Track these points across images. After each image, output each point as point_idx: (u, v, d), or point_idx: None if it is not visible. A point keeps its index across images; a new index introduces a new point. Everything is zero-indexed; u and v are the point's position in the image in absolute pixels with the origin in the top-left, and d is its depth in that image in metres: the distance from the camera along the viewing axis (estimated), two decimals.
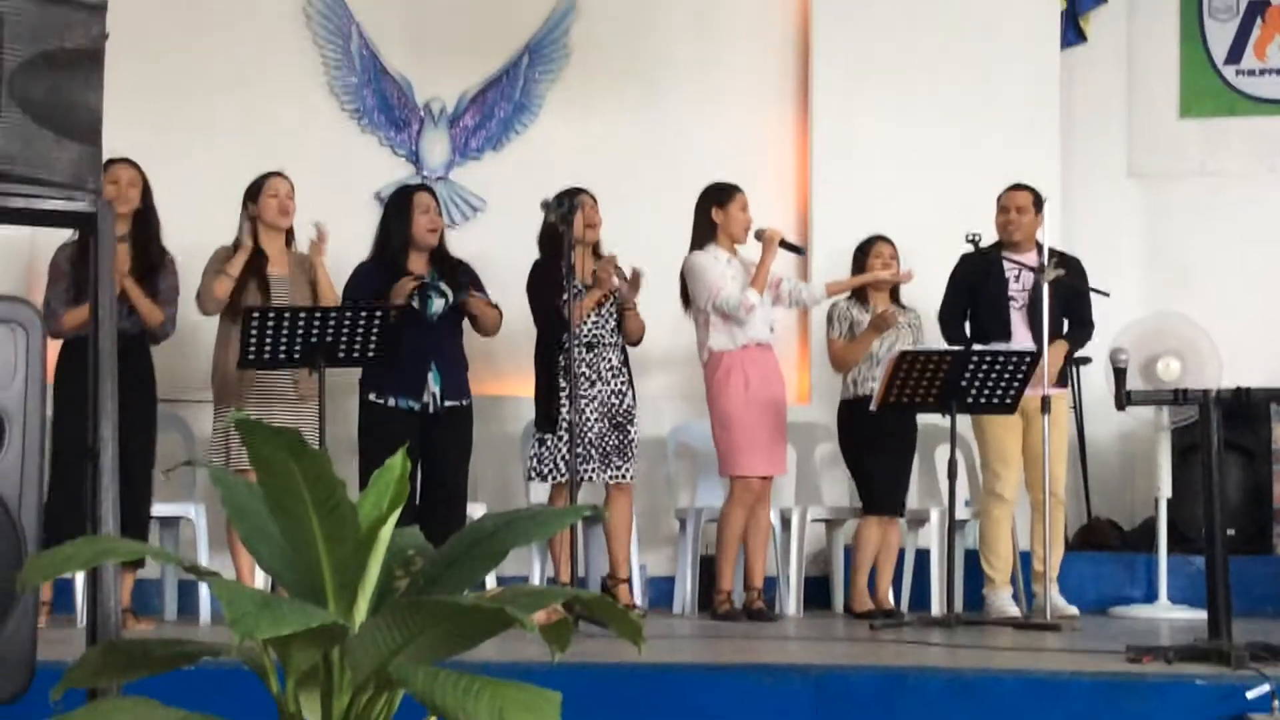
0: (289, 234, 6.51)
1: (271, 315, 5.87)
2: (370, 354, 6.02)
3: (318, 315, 5.91)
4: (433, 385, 6.42)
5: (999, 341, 6.64)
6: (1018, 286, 6.87)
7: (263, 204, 6.39)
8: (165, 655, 2.51)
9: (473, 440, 6.58)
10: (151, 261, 6.13)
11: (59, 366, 5.67)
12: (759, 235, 6.70)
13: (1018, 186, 6.98)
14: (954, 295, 7.01)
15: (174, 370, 7.13)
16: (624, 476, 6.61)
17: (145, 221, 6.16)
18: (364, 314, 5.94)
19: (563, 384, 6.39)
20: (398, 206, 6.62)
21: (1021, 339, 6.70)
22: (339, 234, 6.92)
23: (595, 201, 6.67)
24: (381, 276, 6.41)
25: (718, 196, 6.76)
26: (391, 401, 6.41)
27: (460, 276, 6.56)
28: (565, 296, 6.17)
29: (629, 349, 6.78)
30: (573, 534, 6.10)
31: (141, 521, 5.99)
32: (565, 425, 6.37)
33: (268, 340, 5.85)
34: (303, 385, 6.28)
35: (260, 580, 5.81)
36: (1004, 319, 6.85)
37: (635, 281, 6.56)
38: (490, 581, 5.97)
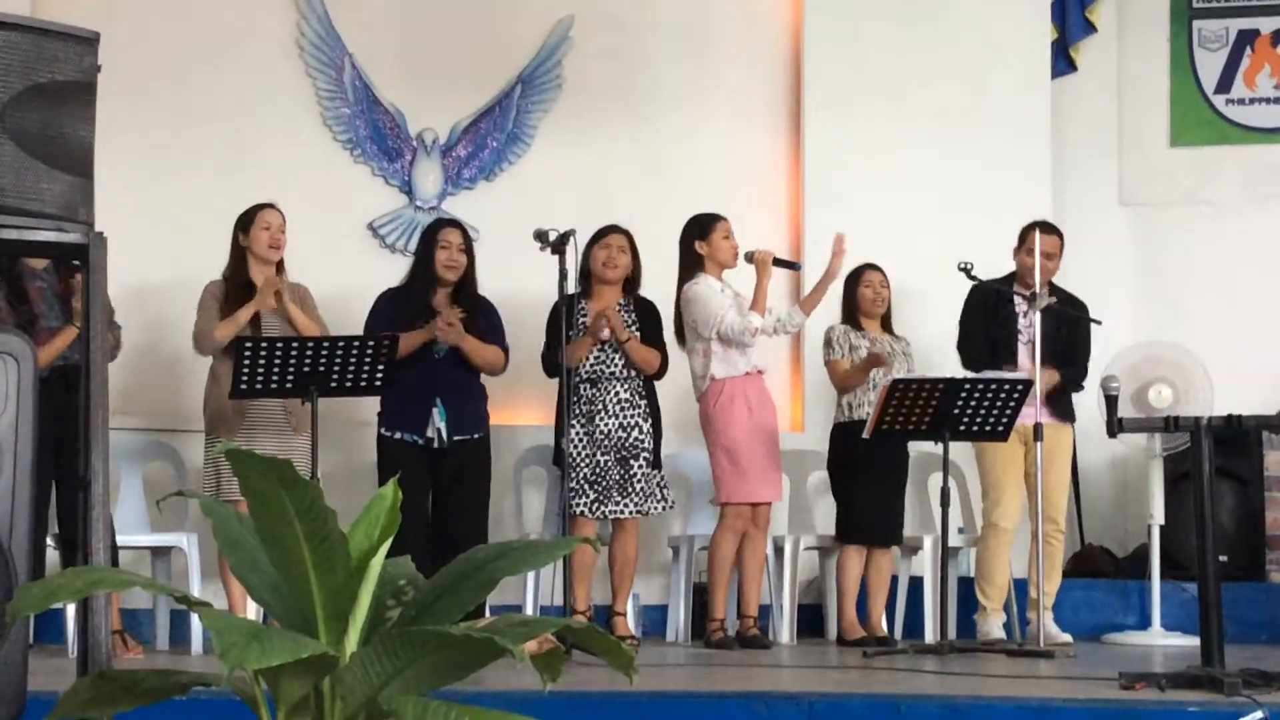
0: (280, 265, 6.50)
1: (264, 345, 5.87)
2: (363, 383, 6.02)
3: (310, 345, 5.91)
4: (437, 420, 6.43)
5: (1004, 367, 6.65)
6: (1025, 322, 6.88)
7: (254, 236, 6.38)
8: (156, 686, 2.51)
9: (489, 473, 6.58)
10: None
11: None
12: (749, 258, 6.71)
13: (1050, 229, 6.95)
14: (973, 324, 6.98)
15: (165, 400, 7.15)
16: (621, 512, 6.58)
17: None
18: (356, 344, 5.95)
19: (566, 419, 6.41)
20: (425, 240, 6.69)
21: (1024, 370, 6.69)
22: (331, 264, 6.95)
23: (628, 241, 6.66)
24: (404, 305, 6.48)
25: (699, 229, 6.78)
26: (399, 435, 6.44)
27: (477, 314, 6.56)
28: (564, 331, 6.19)
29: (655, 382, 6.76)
30: (567, 564, 6.10)
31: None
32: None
33: (260, 370, 5.85)
34: (295, 416, 6.28)
35: (253, 611, 5.80)
36: (1010, 352, 6.85)
37: (605, 320, 6.53)
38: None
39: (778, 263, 6.73)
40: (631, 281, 6.72)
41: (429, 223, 6.99)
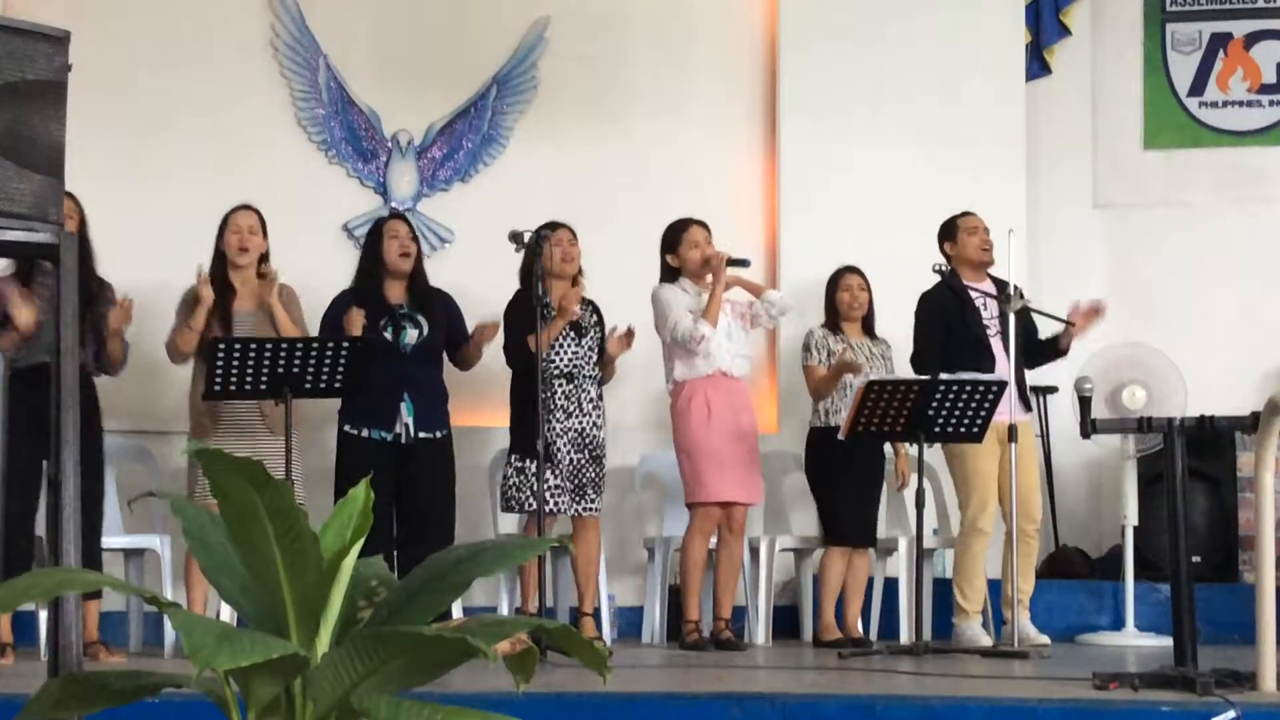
0: (263, 260, 6.46)
1: (238, 346, 5.86)
2: (337, 385, 6.01)
3: (284, 346, 5.90)
4: (405, 416, 6.43)
5: (986, 372, 6.60)
6: (989, 314, 6.87)
7: (226, 240, 6.40)
8: (126, 687, 2.50)
9: (454, 472, 6.58)
10: (90, 292, 6.09)
11: None
12: (705, 263, 6.70)
13: (969, 212, 7.01)
14: (934, 329, 6.88)
15: (142, 403, 7.12)
16: (595, 510, 6.62)
17: (81, 253, 6.07)
18: (330, 345, 5.94)
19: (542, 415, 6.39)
20: (371, 235, 6.71)
21: (1003, 368, 6.69)
22: (306, 265, 6.93)
23: (575, 236, 6.68)
24: (358, 305, 6.45)
25: (670, 240, 6.80)
26: (365, 432, 6.43)
27: (437, 307, 6.58)
28: (538, 328, 6.19)
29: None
30: (540, 564, 6.10)
31: (94, 554, 5.95)
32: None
33: (234, 371, 5.84)
34: (270, 418, 6.26)
35: (226, 613, 5.78)
36: (990, 350, 6.81)
37: (628, 339, 6.60)
38: (457, 612, 5.95)
39: (731, 263, 6.70)
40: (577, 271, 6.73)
41: (373, 222, 6.98)
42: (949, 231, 7.01)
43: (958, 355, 6.78)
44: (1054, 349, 6.96)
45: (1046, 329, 7.02)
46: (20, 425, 5.22)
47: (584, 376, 6.63)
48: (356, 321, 6.33)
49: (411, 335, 6.50)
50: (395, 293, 6.57)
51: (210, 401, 6.08)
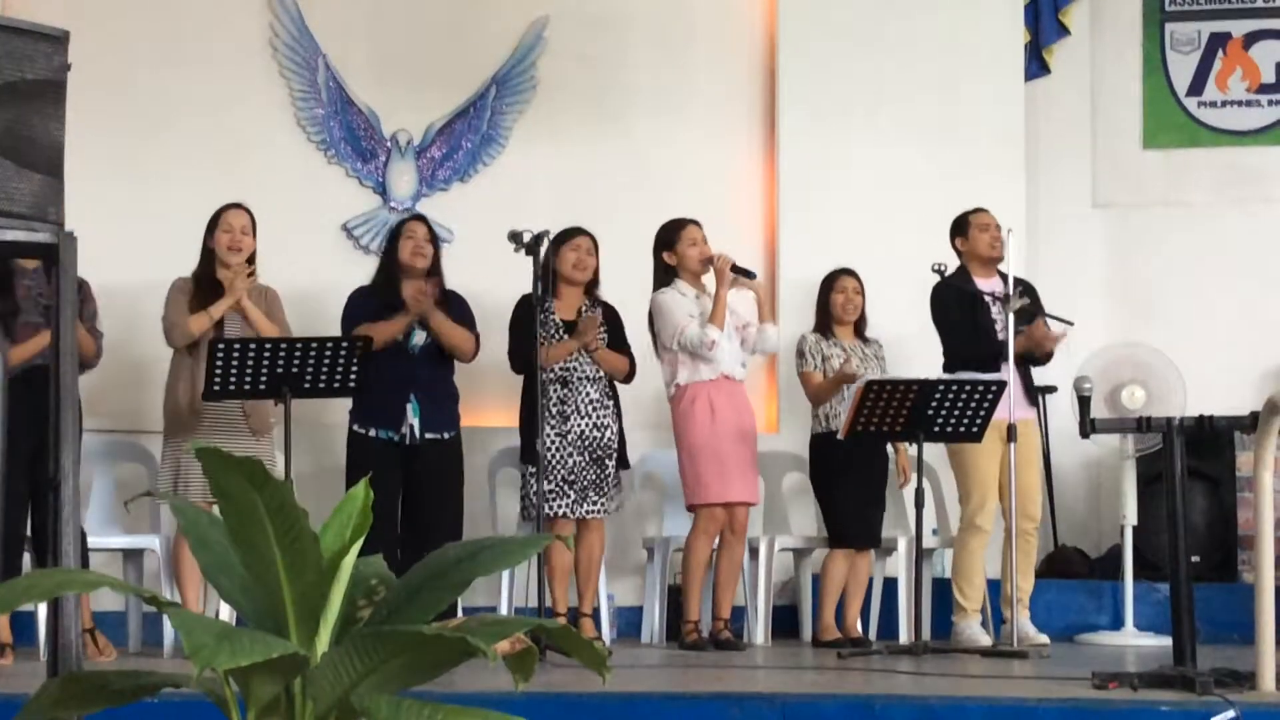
0: (250, 262, 6.44)
1: (237, 346, 5.85)
2: (336, 384, 6.00)
3: (283, 346, 5.90)
4: (411, 417, 6.44)
5: (994, 370, 6.59)
6: (997, 310, 6.85)
7: (216, 238, 6.36)
8: (126, 687, 2.50)
9: (462, 473, 6.58)
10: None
11: None
12: (708, 264, 6.70)
13: (982, 208, 7.01)
14: (955, 324, 6.87)
15: (137, 402, 7.12)
16: (600, 512, 6.61)
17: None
18: (329, 345, 5.93)
19: (540, 420, 6.40)
20: (390, 236, 6.76)
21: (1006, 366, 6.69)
22: (305, 265, 6.93)
23: (595, 245, 6.69)
24: (374, 303, 6.49)
25: (666, 239, 6.80)
26: (373, 432, 6.44)
27: (449, 309, 6.58)
28: (536, 330, 6.20)
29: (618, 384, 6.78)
30: (541, 564, 6.09)
31: (83, 555, 5.92)
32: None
33: (233, 371, 5.83)
34: (254, 418, 6.25)
35: (225, 612, 5.78)
36: (1000, 348, 6.80)
37: (589, 326, 6.56)
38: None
39: (735, 270, 6.70)
40: (592, 282, 6.73)
41: (394, 223, 7.00)
42: (960, 227, 7.01)
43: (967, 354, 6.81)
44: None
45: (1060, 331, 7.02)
46: (15, 426, 5.20)
47: (579, 379, 6.63)
48: (417, 290, 6.35)
49: (420, 336, 6.51)
50: (410, 290, 6.56)
51: (192, 402, 6.07)
